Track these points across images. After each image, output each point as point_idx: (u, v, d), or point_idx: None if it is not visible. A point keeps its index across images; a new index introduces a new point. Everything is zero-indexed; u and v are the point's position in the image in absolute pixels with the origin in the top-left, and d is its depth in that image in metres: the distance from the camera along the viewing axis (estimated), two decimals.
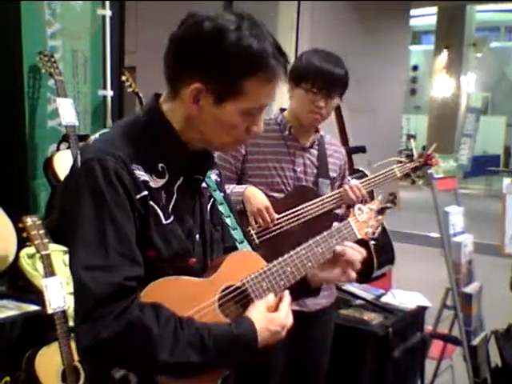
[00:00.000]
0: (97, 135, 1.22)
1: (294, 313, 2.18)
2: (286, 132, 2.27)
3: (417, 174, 2.50)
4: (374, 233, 1.54)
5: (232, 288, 1.24)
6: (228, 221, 1.39)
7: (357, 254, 1.41)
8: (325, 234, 1.42)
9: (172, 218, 1.21)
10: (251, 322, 1.20)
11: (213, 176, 1.41)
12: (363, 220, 1.51)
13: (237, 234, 1.39)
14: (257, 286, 1.27)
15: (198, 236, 1.28)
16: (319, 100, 2.16)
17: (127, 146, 1.17)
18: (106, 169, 1.11)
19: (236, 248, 1.37)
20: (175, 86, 1.20)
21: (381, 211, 1.55)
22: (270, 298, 1.28)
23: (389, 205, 1.59)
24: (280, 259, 1.32)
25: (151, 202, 1.17)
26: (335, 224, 1.56)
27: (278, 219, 2.15)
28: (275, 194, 2.21)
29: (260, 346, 1.20)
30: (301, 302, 2.25)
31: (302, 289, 1.42)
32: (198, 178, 1.30)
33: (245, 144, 1.27)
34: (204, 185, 1.34)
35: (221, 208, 1.38)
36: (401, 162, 2.42)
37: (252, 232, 2.11)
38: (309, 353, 2.36)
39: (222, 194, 1.41)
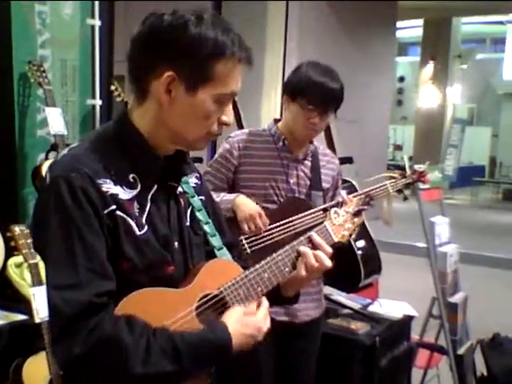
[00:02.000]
0: (65, 150, 1.22)
1: (284, 324, 2.22)
2: (280, 143, 2.28)
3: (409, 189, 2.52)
4: (350, 235, 1.54)
5: (209, 296, 1.24)
6: (206, 227, 1.38)
7: (316, 262, 1.39)
8: (302, 238, 1.42)
9: (146, 228, 1.20)
10: (225, 326, 1.20)
11: (192, 180, 1.40)
12: (339, 223, 1.50)
13: (215, 240, 1.38)
14: (234, 294, 1.27)
15: (176, 244, 1.28)
16: (315, 117, 2.16)
17: (94, 161, 1.17)
18: (72, 186, 1.12)
19: (215, 255, 1.37)
20: (144, 84, 1.19)
21: (357, 213, 1.54)
22: (251, 307, 1.29)
23: (365, 207, 1.57)
24: (257, 266, 1.32)
25: (122, 214, 1.17)
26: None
27: (269, 229, 2.16)
28: (268, 206, 2.22)
29: (235, 350, 1.20)
30: (291, 314, 2.26)
31: (276, 298, 1.42)
32: (172, 184, 1.30)
33: (215, 137, 1.27)
34: (181, 190, 1.34)
35: (199, 214, 1.37)
36: (393, 177, 2.41)
37: (244, 242, 2.12)
38: (297, 363, 2.37)
39: (201, 198, 1.40)
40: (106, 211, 1.15)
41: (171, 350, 1.12)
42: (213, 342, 1.18)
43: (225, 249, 1.39)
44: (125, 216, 1.17)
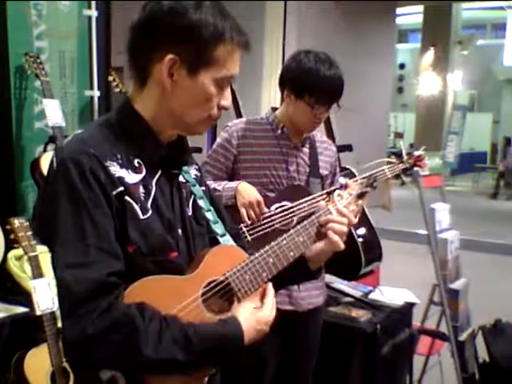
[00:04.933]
0: (70, 137, 1.23)
1: (288, 312, 2.22)
2: (279, 131, 2.27)
3: (407, 174, 2.53)
4: (355, 217, 1.52)
5: (215, 283, 1.25)
6: (209, 215, 1.39)
7: (339, 225, 1.43)
8: (305, 222, 1.42)
9: (150, 213, 1.21)
10: (238, 323, 1.21)
11: (192, 171, 1.41)
12: (344, 206, 1.49)
13: (218, 227, 1.39)
14: (240, 279, 1.27)
15: (180, 231, 1.29)
16: (322, 112, 2.19)
17: (101, 144, 1.18)
18: (81, 167, 1.12)
19: (218, 242, 1.37)
20: (145, 69, 1.20)
21: (361, 195, 1.54)
22: (255, 298, 1.30)
23: (368, 189, 1.57)
24: (261, 251, 1.33)
25: (127, 198, 1.18)
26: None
27: (269, 216, 2.16)
28: (268, 194, 2.22)
29: (246, 344, 1.21)
30: (294, 302, 2.27)
31: (303, 274, 1.45)
32: (174, 172, 1.31)
33: (215, 121, 1.29)
34: (182, 179, 1.35)
35: (201, 202, 1.38)
36: (391, 162, 2.43)
37: (244, 229, 2.12)
38: (299, 350, 2.38)
39: (202, 188, 1.41)
40: (114, 192, 1.15)
41: (183, 339, 1.12)
42: (225, 337, 1.18)
43: (228, 235, 1.39)
44: (130, 200, 1.18)
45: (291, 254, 1.37)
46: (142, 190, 1.21)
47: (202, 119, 1.24)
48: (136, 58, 1.22)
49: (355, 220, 1.48)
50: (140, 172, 1.22)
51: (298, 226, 1.41)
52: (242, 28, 1.23)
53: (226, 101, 1.25)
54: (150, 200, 1.22)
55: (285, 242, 1.37)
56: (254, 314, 1.26)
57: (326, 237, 1.42)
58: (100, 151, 1.16)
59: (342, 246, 1.43)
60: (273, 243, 1.35)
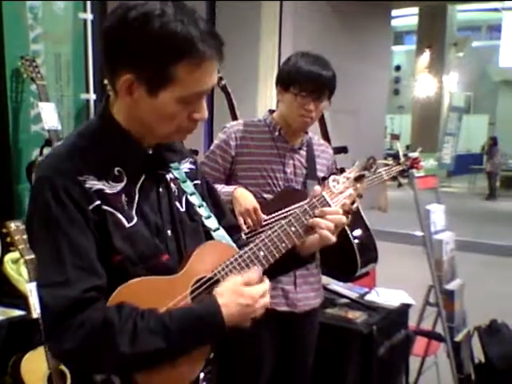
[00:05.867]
0: (51, 149, 1.24)
1: (284, 313, 2.23)
2: (276, 133, 2.28)
3: (403, 176, 2.55)
4: (353, 202, 1.42)
5: (203, 280, 1.24)
6: (200, 210, 1.37)
7: (330, 222, 1.35)
8: (297, 211, 1.36)
9: (136, 220, 1.21)
10: (213, 297, 1.18)
11: (185, 165, 1.40)
12: (340, 191, 1.39)
13: (211, 222, 1.38)
14: (229, 275, 1.25)
15: (169, 232, 1.28)
16: (308, 103, 2.17)
17: (77, 158, 1.18)
18: (55, 187, 1.13)
19: (211, 237, 1.36)
20: (112, 81, 1.19)
21: (358, 178, 1.42)
22: (253, 272, 1.25)
23: (366, 172, 1.43)
24: (251, 245, 1.30)
25: (108, 208, 1.17)
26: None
27: (266, 220, 2.16)
28: (265, 195, 2.23)
29: (229, 322, 1.17)
30: (291, 303, 2.27)
31: (294, 261, 1.41)
32: (161, 173, 1.30)
33: (190, 131, 1.26)
34: (172, 176, 1.33)
35: (192, 198, 1.36)
36: (388, 165, 2.44)
37: (244, 237, 2.12)
38: (296, 351, 2.38)
39: (195, 183, 1.39)
40: (90, 207, 1.16)
41: (160, 328, 1.12)
42: (201, 313, 1.16)
43: (222, 229, 1.38)
44: (112, 210, 1.18)
45: (283, 245, 1.33)
46: (124, 198, 1.21)
47: (171, 132, 1.22)
48: (103, 65, 1.20)
49: (343, 219, 1.36)
50: (121, 181, 1.21)
51: (290, 216, 1.36)
52: (215, 32, 1.16)
53: (199, 113, 1.20)
54: (135, 207, 1.22)
55: (276, 233, 1.33)
56: (238, 288, 1.21)
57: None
58: (75, 167, 1.16)
59: (333, 239, 1.36)
60: (263, 235, 1.32)
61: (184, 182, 1.36)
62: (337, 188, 1.40)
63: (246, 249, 1.29)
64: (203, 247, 1.29)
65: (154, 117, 1.18)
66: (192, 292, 1.22)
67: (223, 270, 1.26)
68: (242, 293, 1.20)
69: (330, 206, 1.37)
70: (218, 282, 1.24)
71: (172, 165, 1.34)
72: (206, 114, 1.22)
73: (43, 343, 2.33)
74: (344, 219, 1.37)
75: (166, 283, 1.20)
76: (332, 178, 1.41)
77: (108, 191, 1.19)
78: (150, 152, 1.27)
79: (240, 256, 1.28)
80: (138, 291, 1.16)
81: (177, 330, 1.13)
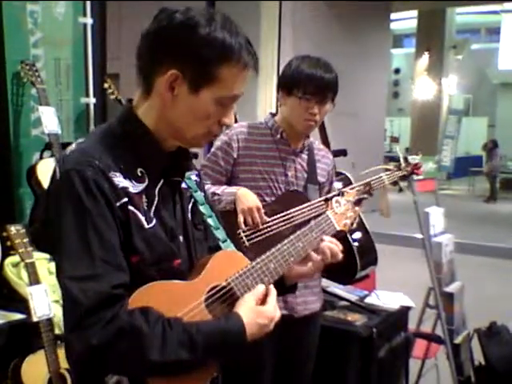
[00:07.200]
0: (73, 145, 1.23)
1: (284, 317, 2.22)
2: (278, 136, 2.28)
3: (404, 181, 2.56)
4: (352, 223, 1.57)
5: (218, 288, 1.26)
6: (210, 221, 1.40)
7: (335, 247, 1.49)
8: (305, 228, 1.45)
9: (154, 222, 1.22)
10: (239, 316, 1.22)
11: (193, 177, 1.43)
12: (341, 212, 1.54)
13: (219, 233, 1.41)
14: (242, 284, 1.29)
15: (181, 237, 1.30)
16: (312, 107, 2.17)
17: (104, 154, 1.18)
18: (85, 179, 1.13)
19: (219, 247, 1.39)
20: (149, 79, 1.21)
21: (357, 202, 1.59)
22: (260, 288, 1.30)
23: (365, 196, 1.63)
24: (263, 256, 1.35)
25: (132, 208, 1.18)
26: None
27: (267, 222, 2.17)
28: (266, 198, 2.23)
29: (249, 340, 1.22)
30: (290, 307, 2.27)
31: (278, 287, 1.44)
32: (177, 180, 1.32)
33: (215, 137, 1.32)
34: (184, 186, 1.36)
35: (202, 208, 1.39)
36: (389, 170, 2.44)
37: (242, 234, 2.13)
38: (296, 356, 2.38)
39: (202, 194, 1.43)
40: (118, 204, 1.16)
41: (187, 339, 1.13)
42: (227, 332, 1.19)
43: (229, 241, 1.41)
44: (134, 210, 1.19)
45: (291, 259, 1.39)
46: (145, 199, 1.22)
47: (200, 134, 1.25)
48: (142, 67, 1.23)
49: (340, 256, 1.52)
50: (143, 181, 1.23)
51: (298, 232, 1.44)
52: (252, 48, 1.23)
53: (228, 118, 1.26)
54: (153, 209, 1.24)
55: (285, 247, 1.39)
56: (256, 309, 1.26)
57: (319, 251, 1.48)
58: (103, 162, 1.17)
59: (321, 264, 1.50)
60: (273, 249, 1.37)
61: (196, 191, 1.39)
62: (339, 209, 1.55)
63: (259, 259, 1.34)
64: (219, 255, 1.32)
65: (189, 116, 1.22)
66: (206, 299, 1.24)
67: (237, 279, 1.29)
68: (261, 313, 1.26)
69: (334, 225, 1.53)
70: (231, 290, 1.28)
71: (186, 173, 1.36)
72: (233, 120, 1.29)
73: (43, 347, 2.34)
74: (340, 256, 1.51)
75: (182, 288, 1.22)
76: (335, 199, 1.57)
77: (132, 190, 1.20)
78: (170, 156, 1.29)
79: (253, 267, 1.32)
80: (154, 294, 1.18)
81: (202, 345, 1.15)
